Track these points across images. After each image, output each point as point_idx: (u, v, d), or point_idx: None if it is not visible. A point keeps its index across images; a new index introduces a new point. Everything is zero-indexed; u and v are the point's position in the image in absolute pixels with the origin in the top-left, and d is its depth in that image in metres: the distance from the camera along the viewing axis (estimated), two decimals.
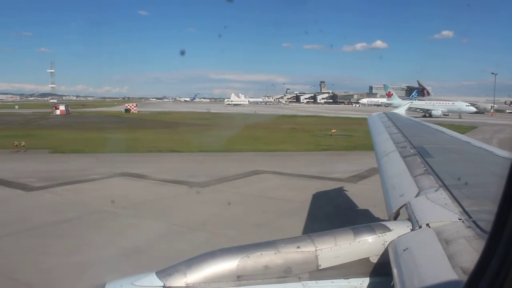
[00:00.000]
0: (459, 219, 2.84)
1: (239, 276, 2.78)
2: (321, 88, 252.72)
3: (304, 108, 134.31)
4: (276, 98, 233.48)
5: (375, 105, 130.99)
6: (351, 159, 25.35)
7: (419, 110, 79.92)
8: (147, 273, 2.80)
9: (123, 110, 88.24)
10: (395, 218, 3.50)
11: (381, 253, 2.95)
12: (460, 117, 75.53)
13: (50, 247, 10.62)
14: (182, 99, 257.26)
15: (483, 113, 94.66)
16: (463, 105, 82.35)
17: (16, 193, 16.61)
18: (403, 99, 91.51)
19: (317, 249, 2.91)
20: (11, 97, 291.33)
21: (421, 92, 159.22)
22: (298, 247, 2.91)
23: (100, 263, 9.23)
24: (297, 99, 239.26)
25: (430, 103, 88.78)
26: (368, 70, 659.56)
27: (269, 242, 2.99)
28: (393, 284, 2.41)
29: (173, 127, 49.41)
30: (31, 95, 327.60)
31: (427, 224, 2.86)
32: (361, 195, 15.64)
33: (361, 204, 14.18)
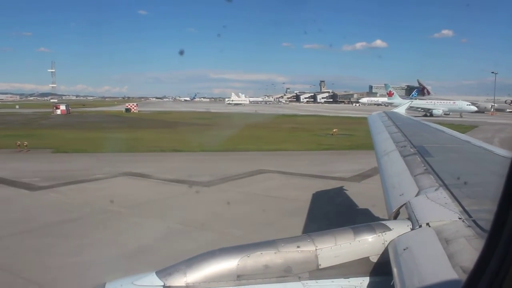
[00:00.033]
0: (459, 219, 2.84)
1: (239, 276, 2.77)
2: (321, 87, 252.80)
3: (304, 108, 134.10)
4: (276, 98, 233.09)
5: (375, 104, 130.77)
6: (354, 158, 25.32)
7: (420, 109, 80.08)
8: (147, 273, 2.78)
9: (123, 109, 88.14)
10: (395, 218, 3.50)
11: (381, 252, 2.95)
12: (461, 116, 75.66)
13: (55, 247, 10.65)
14: (182, 99, 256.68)
15: (483, 112, 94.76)
16: (464, 104, 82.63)
17: (20, 192, 16.65)
18: (403, 99, 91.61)
19: (317, 248, 2.90)
20: (11, 97, 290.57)
21: (421, 91, 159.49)
22: (298, 247, 2.90)
23: (106, 262, 9.23)
24: (297, 98, 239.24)
25: (431, 102, 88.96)
26: (368, 69, 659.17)
27: (269, 241, 2.98)
28: (393, 283, 2.42)
29: (174, 126, 49.39)
30: (31, 95, 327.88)
31: (427, 224, 2.86)
32: (364, 194, 15.63)
33: (362, 204, 14.15)
